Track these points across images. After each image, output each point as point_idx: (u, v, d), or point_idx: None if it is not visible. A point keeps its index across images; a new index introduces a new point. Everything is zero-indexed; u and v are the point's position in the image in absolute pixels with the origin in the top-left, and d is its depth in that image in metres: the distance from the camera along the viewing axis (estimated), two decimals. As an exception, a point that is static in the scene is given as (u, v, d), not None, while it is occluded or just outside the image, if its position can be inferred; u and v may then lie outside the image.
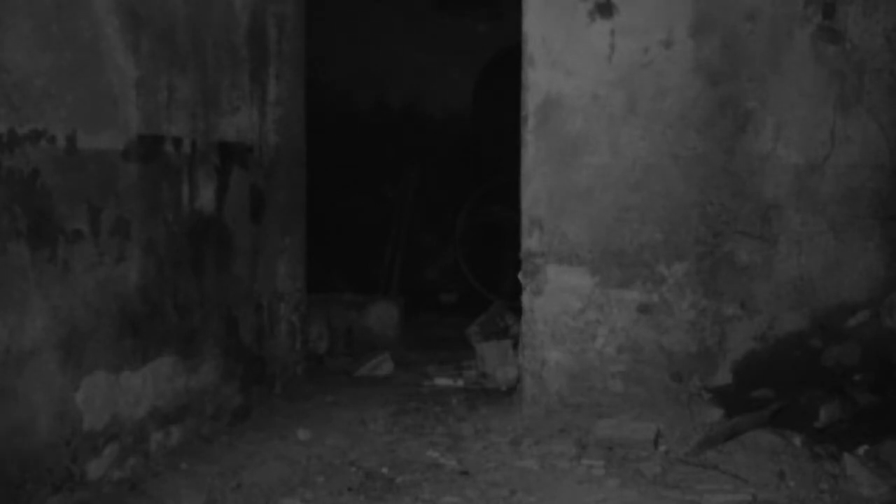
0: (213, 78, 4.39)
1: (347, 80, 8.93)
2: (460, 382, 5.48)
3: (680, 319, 4.58)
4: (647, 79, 4.57)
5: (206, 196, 4.35)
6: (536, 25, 4.63)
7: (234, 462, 4.02)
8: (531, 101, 4.65)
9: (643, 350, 4.59)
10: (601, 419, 4.35)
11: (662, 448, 4.05)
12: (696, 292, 4.57)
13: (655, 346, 4.59)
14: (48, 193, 3.28)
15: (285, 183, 5.20)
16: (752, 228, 4.56)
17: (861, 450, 3.67)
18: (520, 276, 4.71)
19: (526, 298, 4.69)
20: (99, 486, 3.56)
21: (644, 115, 4.58)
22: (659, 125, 4.58)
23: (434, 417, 4.76)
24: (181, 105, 4.12)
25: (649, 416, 4.34)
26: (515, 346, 5.39)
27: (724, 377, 4.54)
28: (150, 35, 3.87)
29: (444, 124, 9.10)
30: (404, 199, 8.92)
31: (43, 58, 3.26)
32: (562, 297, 4.63)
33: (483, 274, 8.47)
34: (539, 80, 4.64)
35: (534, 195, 4.66)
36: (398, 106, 9.19)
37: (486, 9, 8.63)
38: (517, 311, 5.06)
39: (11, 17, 3.11)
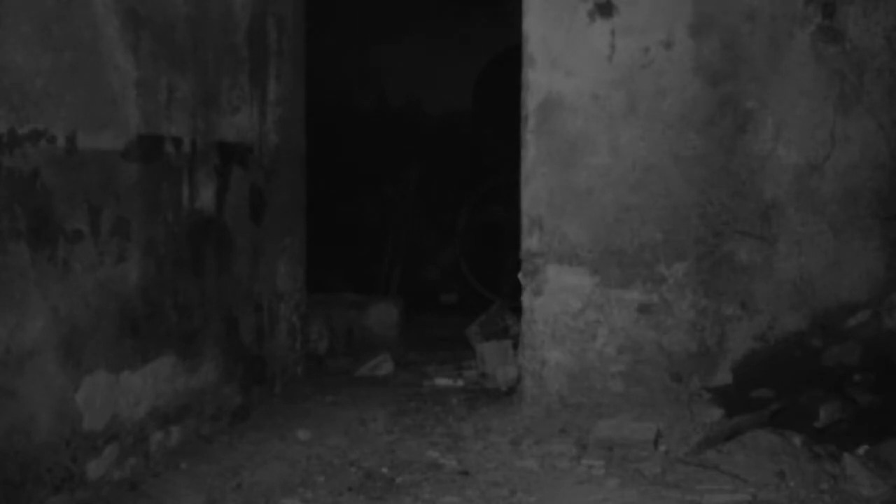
0: (213, 78, 4.39)
1: (347, 80, 8.93)
2: (460, 382, 5.48)
3: (680, 319, 4.58)
4: (647, 79, 4.58)
5: (207, 196, 4.35)
6: (536, 25, 4.63)
7: (234, 462, 4.02)
8: (531, 101, 4.65)
9: (643, 350, 4.59)
10: (601, 419, 4.35)
11: (662, 448, 4.05)
12: (696, 292, 4.57)
13: (655, 346, 4.59)
14: (48, 193, 3.28)
15: (285, 183, 5.20)
16: (752, 228, 4.56)
17: (861, 450, 3.67)
18: (520, 276, 4.71)
19: (526, 298, 4.69)
20: (99, 486, 3.56)
21: (644, 116, 4.58)
22: (659, 125, 4.58)
23: (434, 417, 4.76)
24: (181, 105, 4.12)
25: (649, 416, 4.34)
26: (515, 346, 5.39)
27: (724, 377, 4.54)
28: (150, 35, 3.87)
29: (444, 124, 9.11)
30: (404, 199, 8.92)
31: (43, 58, 3.25)
32: (562, 297, 4.63)
33: (483, 274, 8.47)
34: (539, 80, 4.64)
35: (534, 195, 4.66)
36: (398, 105, 9.19)
37: (486, 9, 8.63)
38: (517, 311, 5.06)
39: (11, 17, 3.11)
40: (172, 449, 4.08)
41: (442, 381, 5.49)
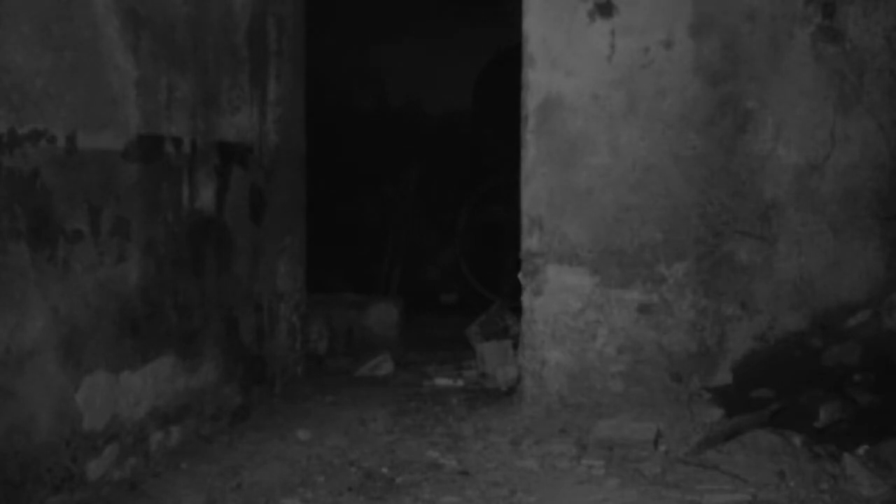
0: (213, 78, 4.39)
1: (347, 80, 8.93)
2: (460, 382, 5.48)
3: (680, 319, 4.58)
4: (647, 79, 4.58)
5: (207, 196, 4.35)
6: (536, 25, 4.63)
7: (234, 462, 4.02)
8: (531, 101, 4.65)
9: (643, 350, 4.59)
10: (601, 419, 4.35)
11: (662, 448, 4.05)
12: (696, 292, 4.57)
13: (655, 346, 4.59)
14: (48, 193, 3.28)
15: (285, 183, 5.20)
16: (752, 228, 4.56)
17: (861, 450, 3.67)
18: (520, 276, 4.71)
19: (526, 298, 4.69)
20: (99, 486, 3.56)
21: (644, 115, 4.58)
22: (659, 125, 4.58)
23: (434, 417, 4.76)
24: (181, 105, 4.12)
25: (649, 416, 4.34)
26: (515, 346, 5.39)
27: (724, 377, 4.54)
28: (150, 35, 3.87)
29: (444, 124, 9.10)
30: (404, 199, 8.92)
31: (43, 58, 3.26)
32: (562, 297, 4.63)
33: (483, 274, 8.47)
34: (539, 80, 4.64)
35: (534, 195, 4.66)
36: (398, 105, 9.19)
37: (486, 9, 8.62)
38: (517, 311, 5.06)
39: (11, 17, 3.11)
40: (172, 449, 4.08)
41: (442, 381, 5.49)
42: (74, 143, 3.41)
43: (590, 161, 4.62)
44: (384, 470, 3.93)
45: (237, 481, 3.78)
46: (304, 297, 5.57)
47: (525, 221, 4.69)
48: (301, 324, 5.51)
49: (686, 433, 4.14)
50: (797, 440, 3.86)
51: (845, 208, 4.55)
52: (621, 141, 4.60)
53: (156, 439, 3.98)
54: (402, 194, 8.92)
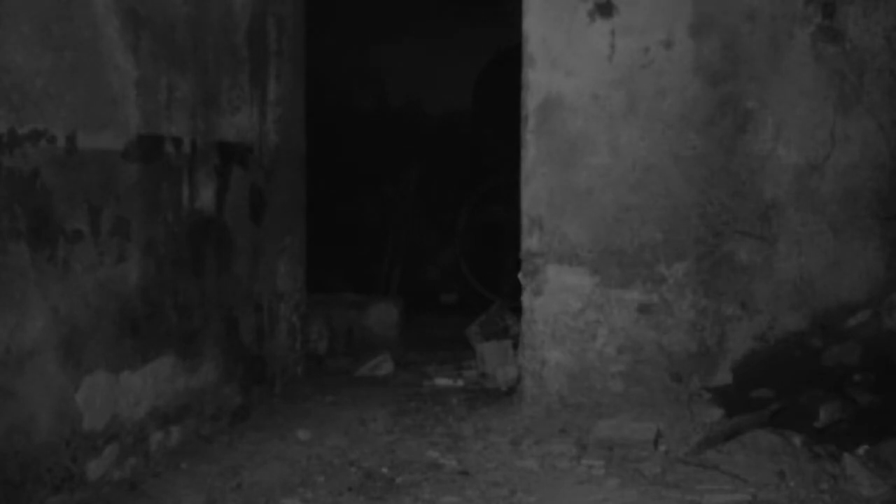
0: (213, 78, 4.39)
1: (347, 80, 8.93)
2: (460, 382, 5.48)
3: (680, 319, 4.58)
4: (647, 79, 4.58)
5: (207, 196, 4.35)
6: (536, 25, 4.63)
7: (234, 462, 4.02)
8: (531, 101, 4.65)
9: (643, 350, 4.59)
10: (601, 419, 4.35)
11: (662, 448, 4.05)
12: (696, 292, 4.57)
13: (655, 346, 4.59)
14: (48, 193, 3.28)
15: (285, 183, 5.20)
16: (752, 228, 4.56)
17: (861, 450, 3.67)
18: (520, 276, 4.71)
19: (526, 298, 4.69)
20: (99, 486, 3.56)
21: (644, 115, 4.58)
22: (659, 125, 4.58)
23: (434, 417, 4.76)
24: (181, 105, 4.12)
25: (649, 416, 4.34)
26: (515, 346, 5.39)
27: (724, 377, 4.54)
28: (150, 35, 3.87)
29: (444, 124, 9.11)
30: (404, 199, 8.92)
31: (43, 58, 3.26)
32: (562, 297, 4.63)
33: (483, 274, 8.47)
34: (539, 80, 4.64)
35: (534, 195, 4.67)
36: (398, 105, 9.19)
37: (486, 9, 8.62)
38: (517, 311, 5.06)
39: (11, 17, 3.11)
40: (172, 449, 4.08)
41: (442, 381, 5.49)
42: (74, 143, 3.41)
43: (590, 161, 4.62)
44: (384, 470, 3.93)
45: (237, 481, 3.78)
46: (304, 297, 5.57)
47: (525, 221, 4.69)
48: (301, 324, 5.51)
49: (686, 433, 4.14)
50: (797, 440, 3.86)
51: (845, 208, 4.55)
52: (621, 141, 4.60)
53: (156, 439, 3.98)
54: (402, 194, 8.92)
